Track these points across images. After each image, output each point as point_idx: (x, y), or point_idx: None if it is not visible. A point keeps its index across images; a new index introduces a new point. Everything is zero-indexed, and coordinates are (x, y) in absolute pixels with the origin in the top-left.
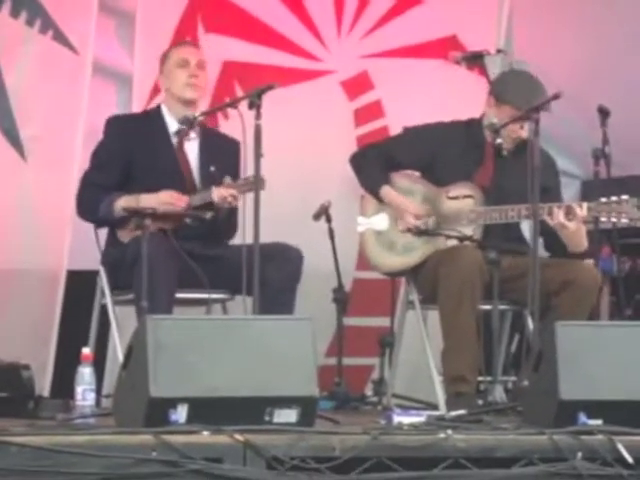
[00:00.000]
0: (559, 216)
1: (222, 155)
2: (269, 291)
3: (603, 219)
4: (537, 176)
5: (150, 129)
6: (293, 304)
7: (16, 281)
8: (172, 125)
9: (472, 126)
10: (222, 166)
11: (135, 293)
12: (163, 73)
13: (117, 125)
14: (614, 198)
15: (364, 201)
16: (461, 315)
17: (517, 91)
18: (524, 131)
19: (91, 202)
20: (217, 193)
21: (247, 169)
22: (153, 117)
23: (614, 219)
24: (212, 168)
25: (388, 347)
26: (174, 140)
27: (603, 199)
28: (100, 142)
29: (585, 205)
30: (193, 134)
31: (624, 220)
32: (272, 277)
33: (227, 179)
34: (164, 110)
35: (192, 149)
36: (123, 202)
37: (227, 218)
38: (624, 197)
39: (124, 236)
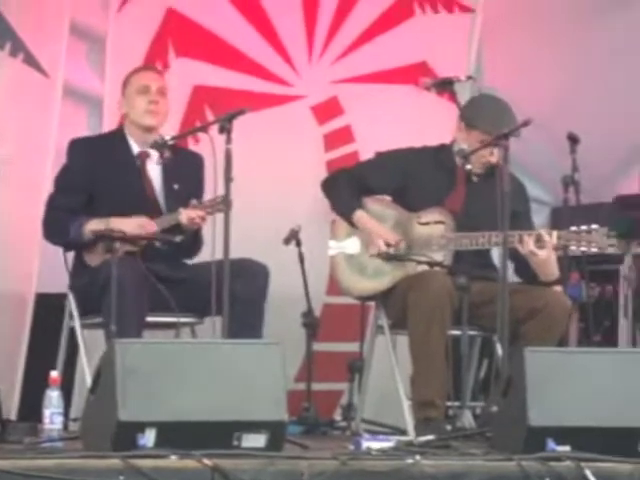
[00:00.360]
0: (529, 244)
1: (185, 171)
2: (237, 307)
3: (573, 248)
4: (507, 203)
5: (113, 151)
6: (262, 319)
7: None
8: (135, 147)
9: (443, 151)
10: (186, 183)
11: (104, 317)
12: (124, 97)
13: (80, 148)
14: (584, 227)
15: (335, 225)
16: (430, 340)
17: (486, 116)
18: (493, 157)
19: (59, 225)
20: (185, 215)
21: (218, 193)
22: (116, 139)
23: (584, 248)
24: (175, 186)
25: (357, 372)
26: (137, 162)
27: (573, 228)
28: (64, 165)
29: (555, 233)
30: (158, 157)
31: (593, 249)
32: (240, 292)
33: (193, 201)
34: (126, 132)
35: (155, 169)
36: (93, 225)
37: (193, 236)
38: (594, 226)
39: (92, 260)
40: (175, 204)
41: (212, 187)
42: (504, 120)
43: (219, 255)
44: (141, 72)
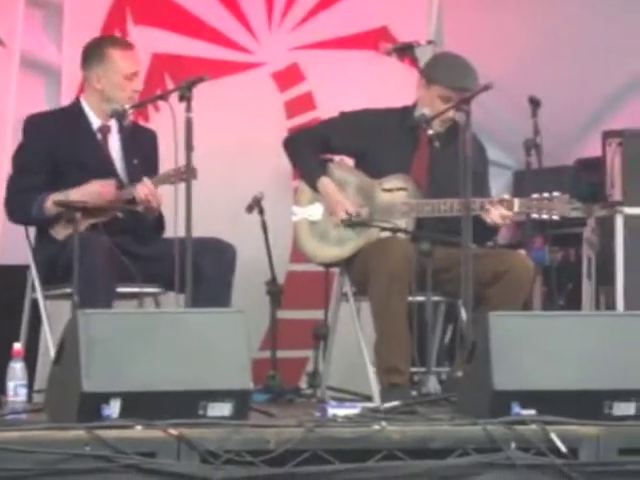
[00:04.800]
0: (498, 210)
1: (143, 147)
2: (205, 286)
3: (534, 215)
4: (469, 168)
5: (72, 125)
6: (229, 299)
7: None
8: (94, 121)
9: (406, 113)
10: (144, 159)
11: (74, 289)
12: (99, 68)
13: (37, 125)
14: (546, 194)
15: (299, 191)
16: (391, 307)
17: (445, 70)
18: (452, 112)
19: (22, 206)
20: (139, 190)
21: (178, 162)
22: (74, 113)
23: (545, 215)
24: (135, 161)
25: (322, 339)
26: (98, 136)
27: (535, 195)
28: (20, 144)
29: (517, 202)
30: (114, 126)
31: (555, 217)
32: (207, 271)
33: (145, 179)
34: (85, 105)
35: (114, 144)
36: (53, 199)
37: (155, 216)
38: (555, 194)
39: (58, 233)
40: (136, 178)
41: (173, 156)
42: (463, 74)
43: (182, 230)
44: (124, 50)
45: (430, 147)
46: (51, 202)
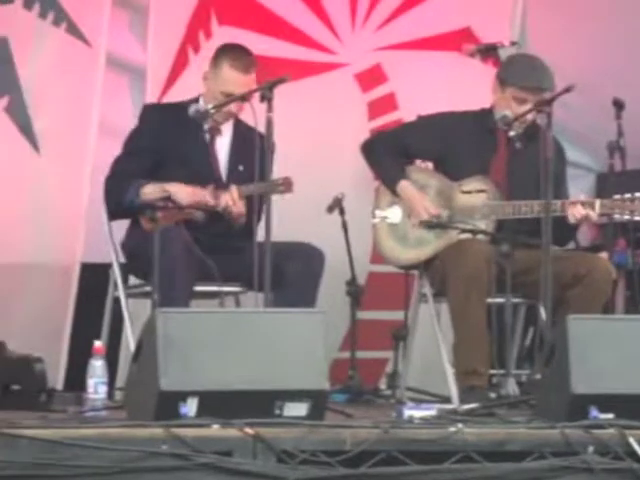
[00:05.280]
0: (580, 211)
1: (253, 152)
2: (290, 290)
3: (616, 216)
4: (550, 170)
5: (185, 121)
6: (314, 304)
7: (30, 275)
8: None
9: (483, 115)
10: (251, 165)
11: (152, 287)
12: (210, 70)
13: (153, 113)
14: (628, 195)
15: (379, 193)
16: (469, 308)
17: (520, 71)
18: (531, 114)
19: (119, 188)
20: (222, 199)
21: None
22: (188, 109)
23: (627, 216)
24: (241, 167)
25: (402, 341)
26: (207, 135)
27: (617, 196)
28: (134, 129)
29: (598, 202)
30: (224, 129)
31: (637, 218)
32: (293, 276)
33: (232, 188)
34: (201, 103)
35: (223, 145)
36: (149, 189)
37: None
38: (638, 194)
39: (146, 225)
40: (240, 184)
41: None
42: (537, 74)
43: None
44: (235, 73)
45: (508, 149)
46: (145, 192)
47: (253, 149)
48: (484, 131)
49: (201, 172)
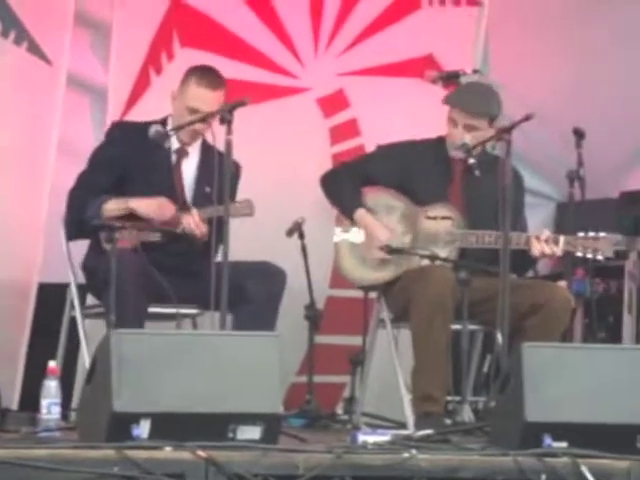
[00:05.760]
0: (544, 247)
1: (220, 176)
2: (250, 309)
3: (578, 254)
4: (509, 197)
5: (151, 141)
6: (274, 323)
7: None
8: (175, 141)
9: (440, 143)
10: (218, 187)
11: (105, 308)
12: (178, 89)
13: (119, 130)
14: (592, 234)
15: (340, 215)
16: (432, 335)
17: (457, 95)
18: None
19: (81, 202)
20: (184, 220)
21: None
22: None
23: (589, 255)
24: (207, 189)
25: (359, 365)
26: (173, 156)
27: (581, 234)
28: (100, 144)
29: (562, 239)
30: (191, 150)
31: (599, 257)
32: (254, 294)
33: (194, 210)
34: (169, 123)
35: (190, 167)
36: (112, 205)
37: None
38: (602, 234)
39: (105, 244)
40: (203, 206)
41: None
42: (482, 99)
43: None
44: (201, 89)
45: (463, 177)
46: (108, 205)
47: (221, 172)
48: (440, 160)
49: (164, 193)
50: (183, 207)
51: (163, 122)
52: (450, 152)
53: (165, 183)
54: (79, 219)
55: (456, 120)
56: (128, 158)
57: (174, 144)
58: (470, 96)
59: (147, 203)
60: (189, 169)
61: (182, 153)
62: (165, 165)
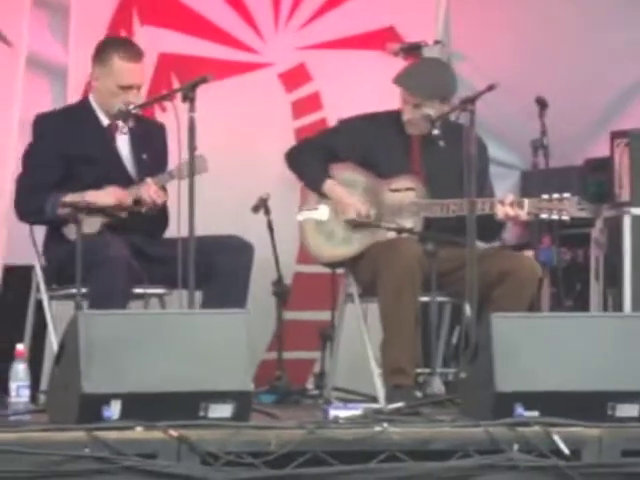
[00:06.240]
0: (508, 210)
1: (152, 141)
2: (220, 283)
3: (544, 216)
4: (473, 167)
5: (81, 123)
6: (246, 297)
7: None
8: (103, 119)
9: (398, 115)
10: (153, 153)
11: (90, 293)
12: (98, 69)
13: (47, 123)
14: (556, 195)
15: (305, 191)
16: (401, 308)
17: (412, 76)
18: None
19: (33, 205)
20: (144, 192)
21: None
22: (83, 111)
23: (555, 216)
24: (144, 156)
25: (328, 340)
26: (107, 134)
27: (545, 196)
28: (31, 143)
29: (527, 202)
30: (124, 127)
31: (565, 217)
32: (223, 269)
33: (148, 180)
34: (93, 103)
35: (124, 141)
36: (68, 199)
37: (159, 211)
38: (565, 195)
39: (70, 233)
40: (146, 174)
41: (177, 156)
42: (425, 79)
43: (186, 227)
44: (130, 64)
45: (423, 148)
46: (62, 204)
47: (151, 137)
48: (400, 132)
49: (109, 170)
50: (133, 182)
51: (85, 103)
52: (407, 129)
53: (107, 161)
54: (38, 221)
55: (406, 100)
56: (63, 147)
57: (103, 119)
58: (419, 77)
59: (102, 195)
60: (123, 142)
61: (113, 127)
62: (101, 141)
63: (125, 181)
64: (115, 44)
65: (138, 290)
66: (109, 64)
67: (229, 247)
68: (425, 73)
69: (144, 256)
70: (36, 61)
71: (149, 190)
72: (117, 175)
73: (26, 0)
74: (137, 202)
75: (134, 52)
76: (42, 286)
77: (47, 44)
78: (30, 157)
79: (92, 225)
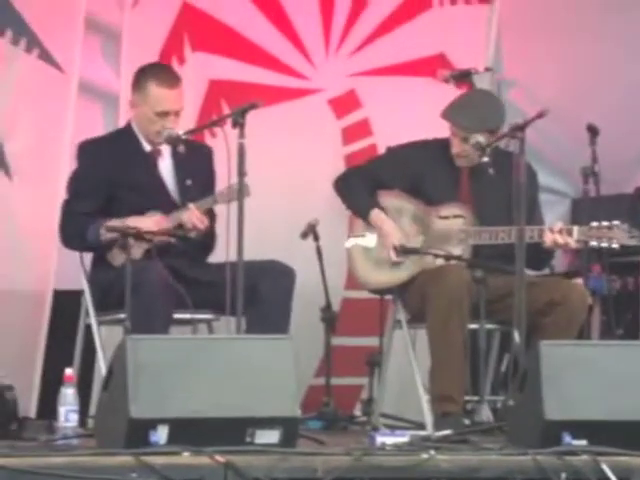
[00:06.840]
0: (557, 238)
1: (197, 165)
2: (263, 309)
3: (593, 243)
4: (523, 194)
5: (124, 149)
6: (288, 322)
7: (2, 301)
8: (146, 144)
9: (447, 143)
10: (198, 177)
11: (131, 316)
12: (136, 96)
13: (91, 150)
14: (605, 223)
15: (353, 218)
16: (449, 334)
17: (459, 110)
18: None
19: (76, 231)
20: (186, 217)
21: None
22: (125, 137)
23: (604, 244)
24: (188, 182)
25: (376, 367)
26: (149, 160)
27: (594, 223)
28: (75, 169)
29: (576, 229)
30: (164, 148)
31: (614, 245)
32: (265, 294)
33: (190, 205)
34: (135, 129)
35: (167, 166)
36: (108, 224)
37: (205, 235)
38: (615, 222)
39: (114, 259)
40: (190, 199)
41: (226, 182)
42: (472, 112)
43: (234, 252)
44: (166, 90)
45: (471, 176)
46: (106, 228)
47: (196, 160)
48: (448, 160)
49: (153, 195)
50: (175, 208)
51: (128, 129)
52: (455, 161)
53: (150, 186)
54: (80, 247)
55: (455, 133)
56: (107, 174)
57: (145, 145)
58: (466, 111)
59: (144, 220)
60: (166, 167)
61: (157, 153)
62: (144, 167)
63: (169, 206)
64: (151, 71)
65: (186, 315)
66: (145, 91)
67: (271, 272)
68: (473, 106)
69: (185, 279)
70: (89, 87)
71: (191, 215)
72: (161, 201)
73: (79, 26)
74: (179, 227)
75: (170, 78)
76: (91, 311)
77: (100, 70)
78: (73, 183)
79: (136, 251)
